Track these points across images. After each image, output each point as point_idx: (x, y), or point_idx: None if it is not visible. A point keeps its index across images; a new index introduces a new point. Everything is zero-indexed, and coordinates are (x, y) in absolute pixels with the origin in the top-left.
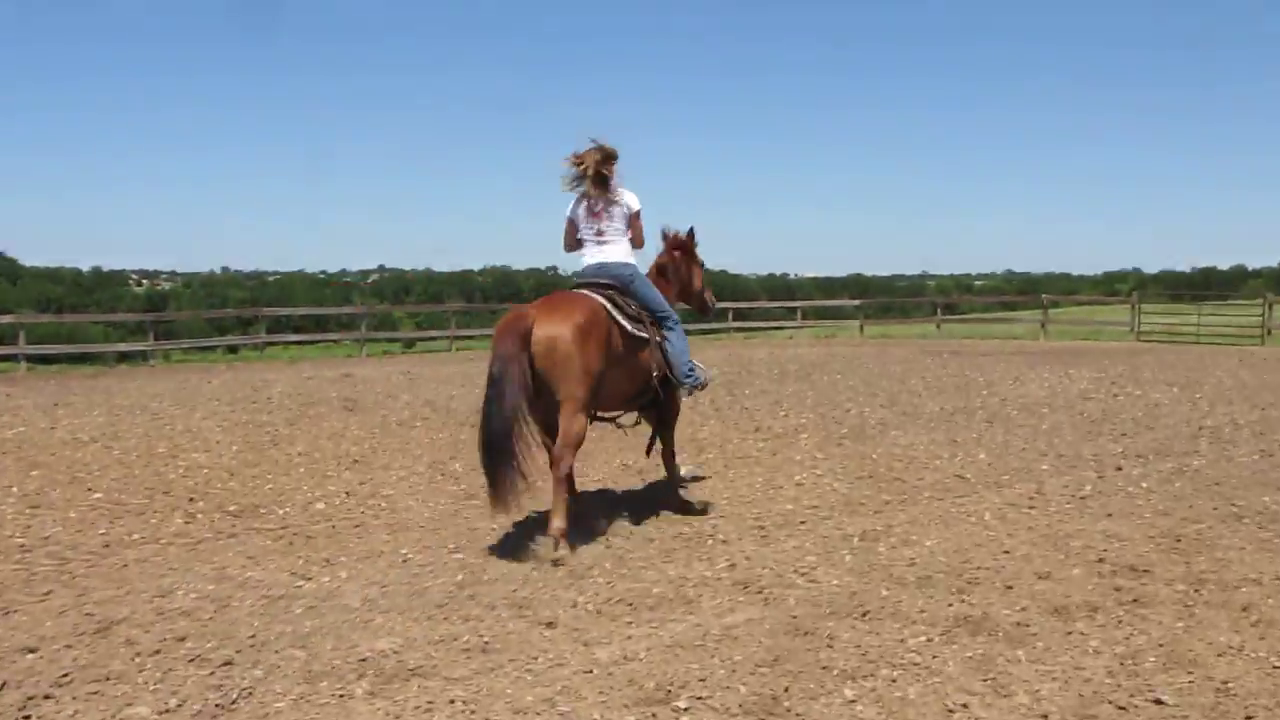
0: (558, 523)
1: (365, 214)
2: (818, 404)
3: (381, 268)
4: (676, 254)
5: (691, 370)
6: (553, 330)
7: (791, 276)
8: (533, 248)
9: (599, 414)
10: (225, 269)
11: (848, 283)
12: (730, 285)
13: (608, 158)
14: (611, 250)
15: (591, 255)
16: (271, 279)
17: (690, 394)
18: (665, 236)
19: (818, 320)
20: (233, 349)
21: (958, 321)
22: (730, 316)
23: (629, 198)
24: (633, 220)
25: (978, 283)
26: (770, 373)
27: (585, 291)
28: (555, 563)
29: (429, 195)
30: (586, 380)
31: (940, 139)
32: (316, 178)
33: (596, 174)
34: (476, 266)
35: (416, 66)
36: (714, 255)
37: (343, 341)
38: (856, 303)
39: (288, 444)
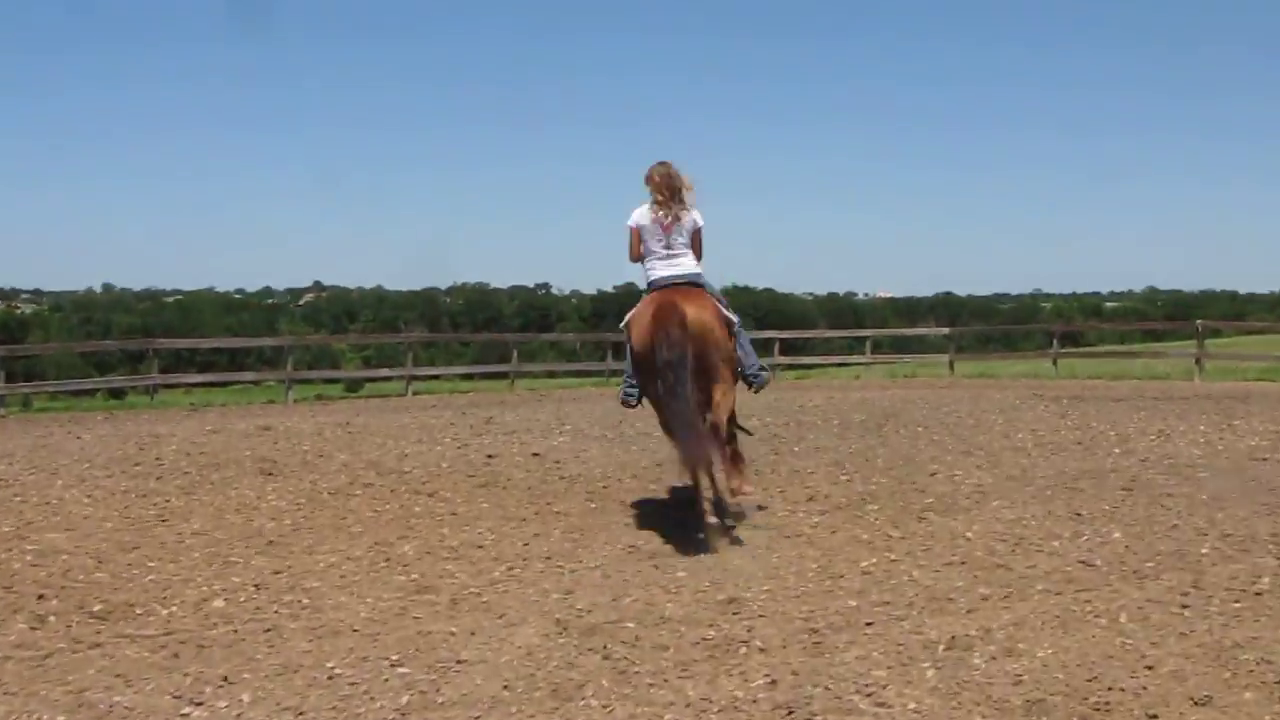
0: (742, 485)
1: (296, 216)
2: (892, 465)
3: (318, 285)
4: None
5: (761, 368)
6: (704, 315)
7: (860, 296)
8: (513, 263)
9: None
10: (108, 287)
11: (933, 304)
12: (777, 307)
13: (685, 182)
14: (685, 262)
15: (663, 267)
16: (170, 300)
17: (758, 391)
18: None
19: (893, 354)
20: (116, 393)
21: (1082, 356)
22: (776, 349)
23: (696, 214)
24: (695, 236)
25: (1109, 304)
26: (829, 423)
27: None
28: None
29: (382, 194)
30: (731, 359)
31: (1056, 116)
32: (233, 169)
33: (677, 189)
34: (442, 284)
35: (357, 34)
36: (756, 269)
37: (263, 383)
38: (945, 331)
39: (180, 520)
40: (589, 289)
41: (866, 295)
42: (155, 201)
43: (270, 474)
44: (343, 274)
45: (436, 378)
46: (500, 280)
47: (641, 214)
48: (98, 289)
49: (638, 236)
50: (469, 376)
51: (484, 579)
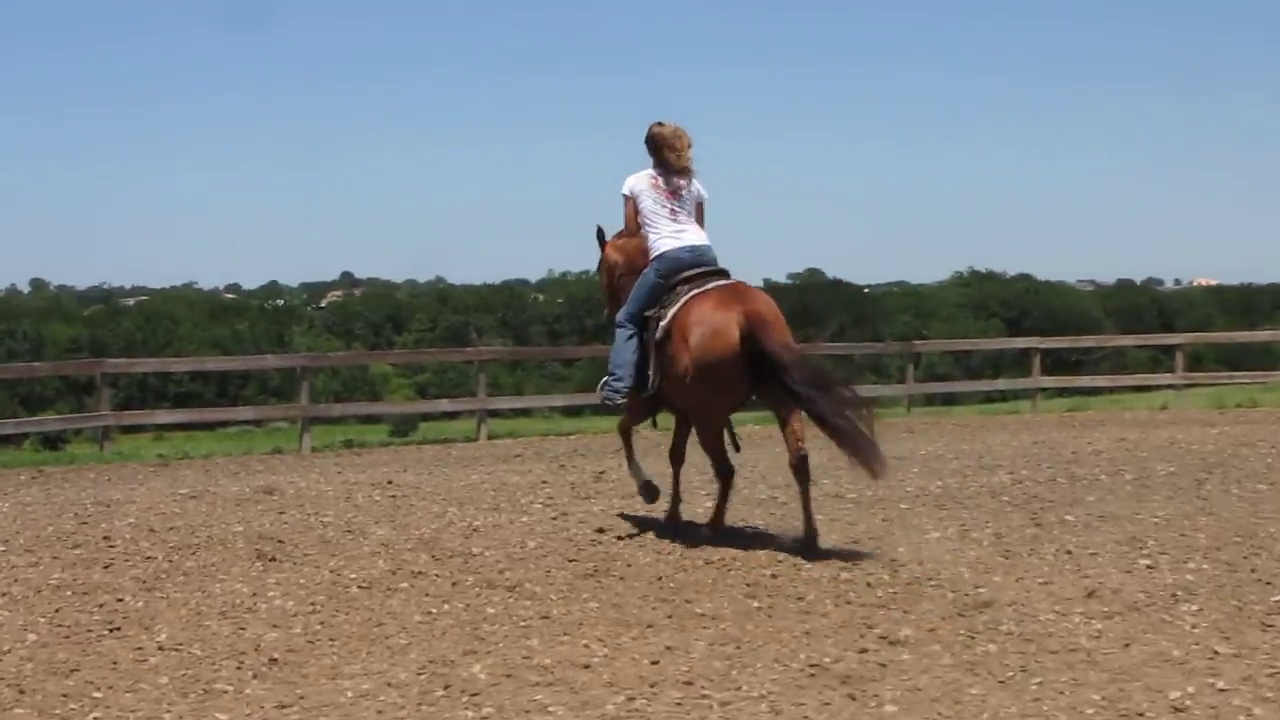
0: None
1: (313, 179)
2: (1219, 541)
3: (349, 279)
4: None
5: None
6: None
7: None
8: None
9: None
10: (38, 284)
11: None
12: (1040, 301)
13: (681, 140)
14: (697, 233)
15: (673, 237)
16: (129, 303)
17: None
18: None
19: (1220, 371)
20: (49, 440)
21: None
22: (1036, 365)
23: (699, 184)
24: (699, 210)
25: None
26: (1118, 479)
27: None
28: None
29: (437, 148)
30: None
31: None
32: (222, 123)
33: (684, 150)
34: (530, 276)
35: None
36: (1002, 247)
37: (268, 423)
38: None
39: (140, 628)
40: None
41: (1178, 284)
42: (104, 164)
43: (274, 559)
44: (383, 262)
45: (524, 413)
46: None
47: (639, 179)
48: (22, 287)
49: (634, 206)
50: (572, 410)
51: (592, 715)
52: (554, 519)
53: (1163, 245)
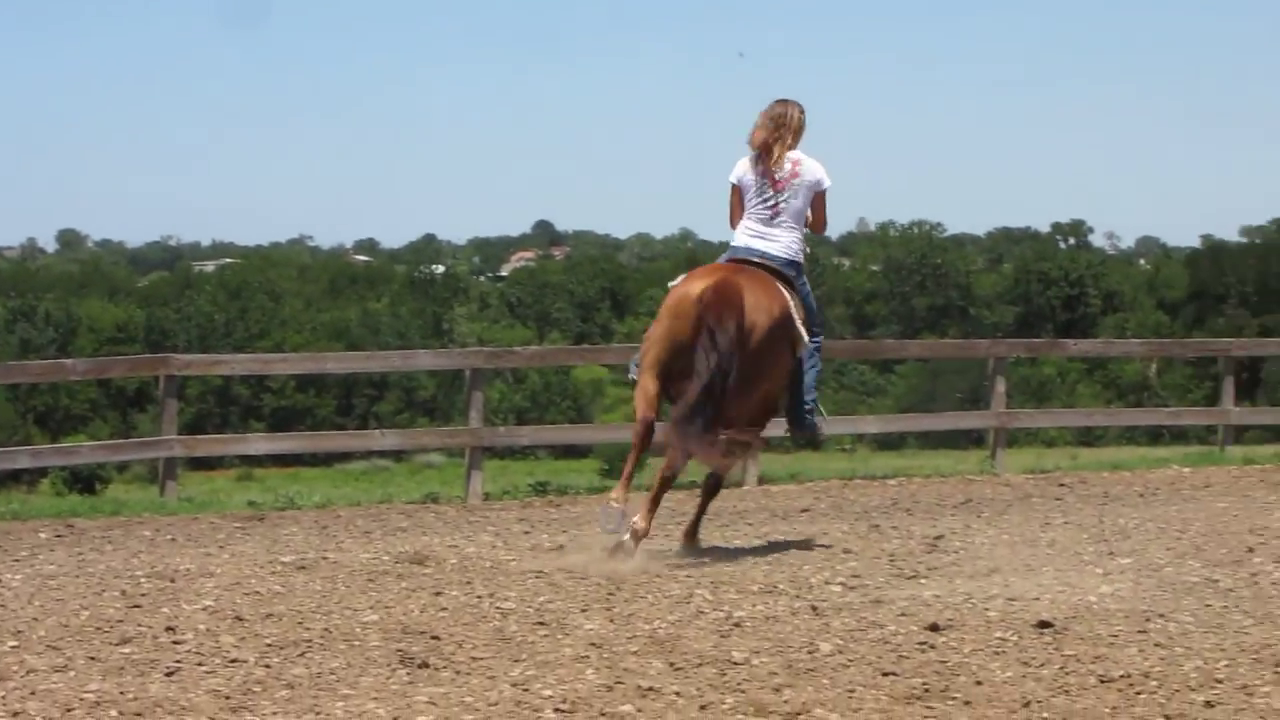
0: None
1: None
2: None
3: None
4: None
5: (813, 408)
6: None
7: None
8: None
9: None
10: (71, 238)
11: None
12: None
13: (779, 123)
14: (781, 238)
15: (751, 237)
16: (210, 267)
17: (801, 436)
18: None
19: None
20: (84, 478)
21: None
22: None
23: (819, 170)
24: (817, 201)
25: None
26: None
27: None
28: None
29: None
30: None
31: None
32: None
33: (794, 133)
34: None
35: None
36: None
37: (416, 457)
38: None
39: None
40: None
41: None
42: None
43: (425, 665)
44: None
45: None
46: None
47: (744, 166)
48: (45, 244)
49: (739, 196)
50: (888, 441)
51: None
52: (860, 609)
53: None
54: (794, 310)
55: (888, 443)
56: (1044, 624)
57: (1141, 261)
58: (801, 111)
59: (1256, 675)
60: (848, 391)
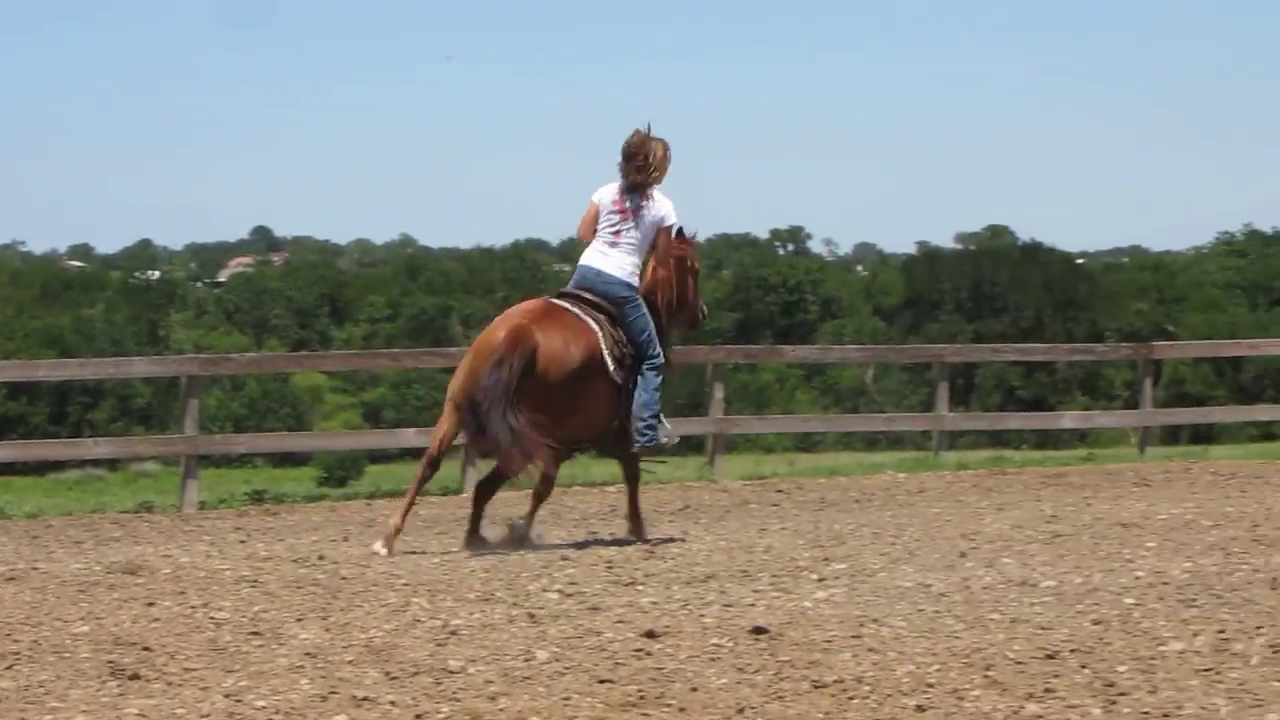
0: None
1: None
2: None
3: (265, 239)
4: (672, 264)
5: (652, 426)
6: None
7: None
8: None
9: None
10: None
11: None
12: None
13: (664, 157)
14: (619, 260)
15: (595, 257)
16: None
17: (641, 452)
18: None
19: None
20: None
21: None
22: None
23: (667, 208)
24: (662, 235)
25: None
26: None
27: (579, 312)
28: None
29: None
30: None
31: None
32: None
33: (656, 169)
34: (550, 236)
35: None
36: None
37: (130, 465)
38: None
39: None
40: None
41: None
42: None
43: (137, 676)
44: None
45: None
46: None
47: (607, 190)
48: None
49: (594, 214)
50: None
51: None
52: (578, 617)
53: None
54: (602, 345)
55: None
56: (759, 630)
57: (859, 268)
58: (665, 148)
59: (967, 680)
60: None
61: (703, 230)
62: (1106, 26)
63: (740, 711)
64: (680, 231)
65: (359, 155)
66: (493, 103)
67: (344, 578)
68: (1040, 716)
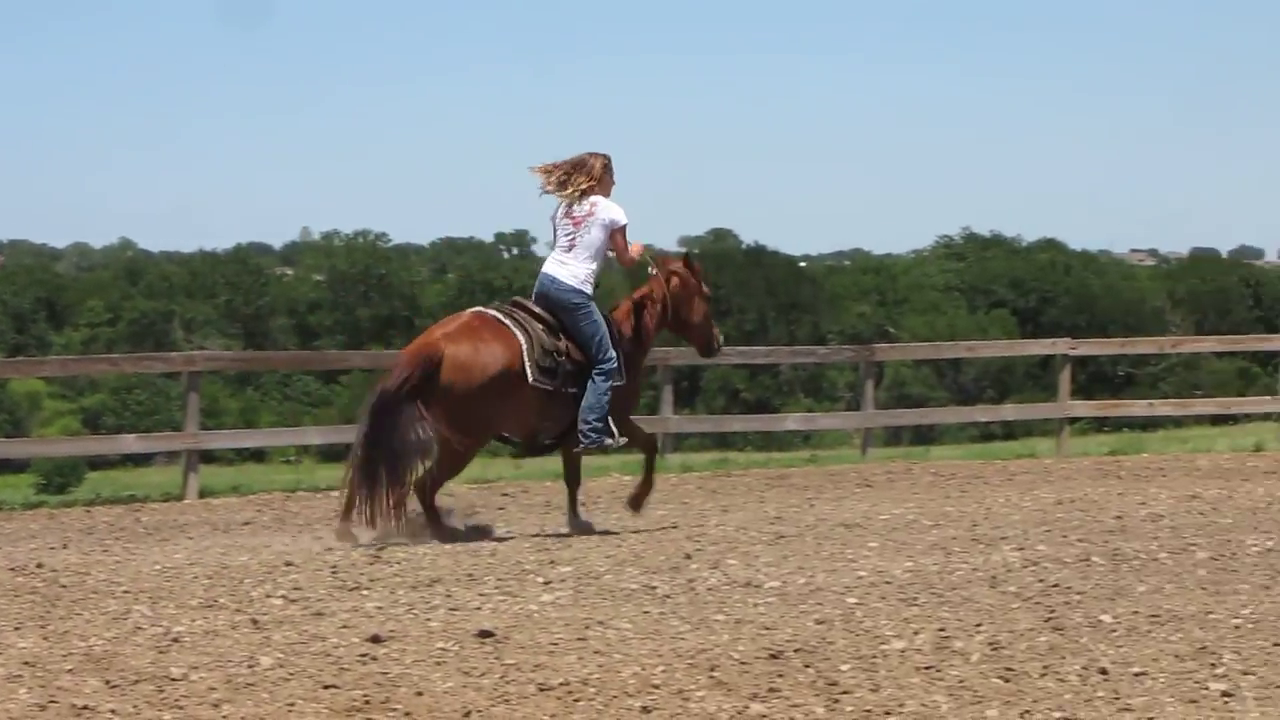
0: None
1: None
2: None
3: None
4: (668, 283)
5: (596, 429)
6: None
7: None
8: None
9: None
10: None
11: None
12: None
13: (578, 167)
14: (571, 267)
15: (550, 265)
16: None
17: (584, 452)
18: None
19: None
20: None
21: None
22: (1064, 382)
23: (611, 211)
24: (614, 236)
25: None
26: (1184, 554)
27: (508, 323)
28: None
29: None
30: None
31: None
32: None
33: (570, 185)
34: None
35: None
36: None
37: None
38: None
39: None
40: None
41: None
42: None
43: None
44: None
45: (257, 455)
46: None
47: (558, 204)
48: None
49: (551, 230)
50: (333, 453)
51: None
52: (302, 622)
53: (1261, 197)
54: (524, 353)
55: (333, 454)
56: (485, 633)
57: None
58: (604, 160)
59: (692, 680)
60: (292, 402)
61: (427, 233)
62: (794, 29)
63: (466, 715)
64: (688, 258)
65: (77, 160)
66: (213, 106)
67: (63, 585)
68: (765, 716)
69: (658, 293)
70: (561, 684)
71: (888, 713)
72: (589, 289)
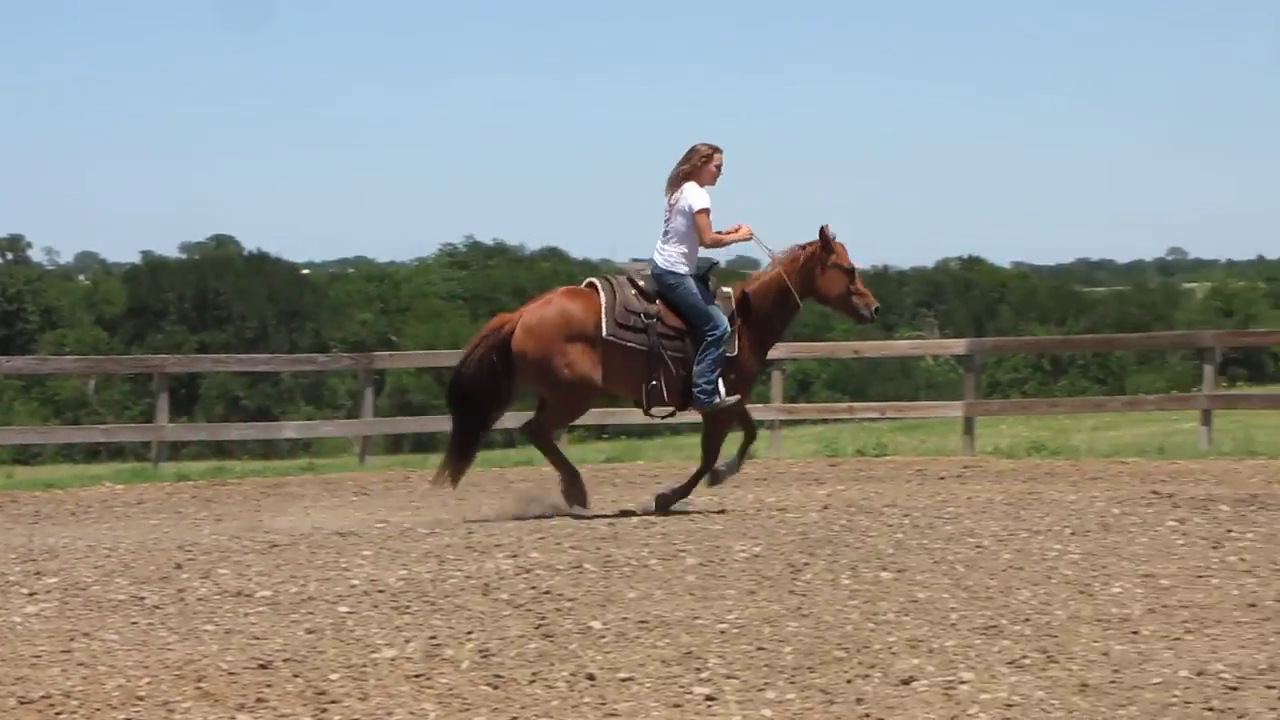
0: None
1: None
2: (815, 657)
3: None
4: (800, 258)
5: (705, 390)
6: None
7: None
8: None
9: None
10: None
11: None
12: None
13: (686, 155)
14: (666, 251)
15: (655, 249)
16: None
17: (705, 410)
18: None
19: (838, 402)
20: None
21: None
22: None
23: (693, 196)
24: (695, 219)
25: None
26: (674, 561)
27: (597, 285)
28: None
29: None
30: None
31: None
32: None
33: (696, 168)
34: None
35: None
36: None
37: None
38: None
39: None
40: None
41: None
42: None
43: None
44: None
45: None
46: None
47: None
48: None
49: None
50: None
51: None
52: None
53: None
54: (603, 310)
55: None
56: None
57: (81, 277)
58: (709, 149)
59: (179, 691)
60: None
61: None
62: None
63: None
64: (823, 233)
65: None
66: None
67: None
68: None
69: (772, 274)
70: (43, 697)
71: None
72: (681, 269)
